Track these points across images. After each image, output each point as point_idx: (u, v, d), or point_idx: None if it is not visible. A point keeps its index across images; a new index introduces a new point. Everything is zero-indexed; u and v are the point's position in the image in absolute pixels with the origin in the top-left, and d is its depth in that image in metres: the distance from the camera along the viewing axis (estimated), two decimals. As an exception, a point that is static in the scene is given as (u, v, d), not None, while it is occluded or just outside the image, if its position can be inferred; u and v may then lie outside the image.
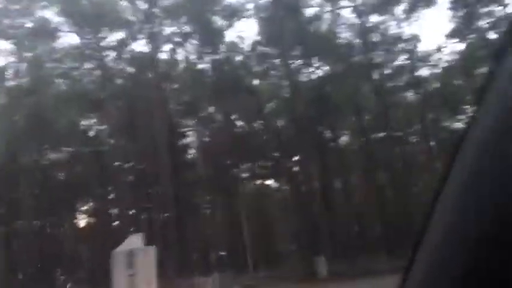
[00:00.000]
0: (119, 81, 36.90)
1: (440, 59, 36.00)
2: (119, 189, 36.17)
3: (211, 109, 38.79)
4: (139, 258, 11.59)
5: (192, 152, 41.66)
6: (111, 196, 39.60)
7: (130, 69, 36.43)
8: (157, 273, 12.11)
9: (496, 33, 29.08)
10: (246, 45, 36.57)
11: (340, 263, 25.85)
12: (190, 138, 40.48)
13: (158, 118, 32.87)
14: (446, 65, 35.83)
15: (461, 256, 0.84)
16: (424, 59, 36.04)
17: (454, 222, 0.90)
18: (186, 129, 39.75)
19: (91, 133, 39.70)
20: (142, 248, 12.09)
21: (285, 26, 31.67)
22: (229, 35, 44.34)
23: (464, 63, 32.72)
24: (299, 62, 33.69)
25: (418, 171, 42.05)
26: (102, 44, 35.67)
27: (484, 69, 34.55)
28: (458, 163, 0.92)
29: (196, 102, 35.61)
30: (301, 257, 35.20)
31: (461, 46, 34.21)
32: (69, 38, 43.30)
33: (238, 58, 36.98)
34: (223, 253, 40.33)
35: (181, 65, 36.84)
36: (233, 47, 36.36)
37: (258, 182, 48.25)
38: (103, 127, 37.46)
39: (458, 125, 43.19)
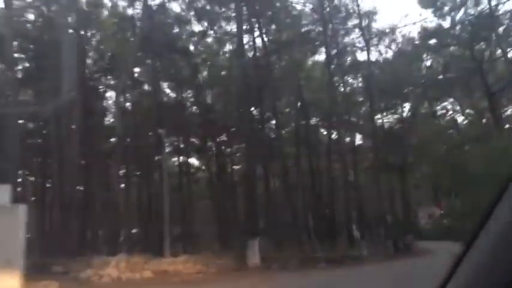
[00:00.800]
0: (26, 23, 30.85)
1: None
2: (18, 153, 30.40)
3: (136, 69, 34.07)
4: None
5: (109, 117, 36.71)
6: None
7: (43, 9, 30.52)
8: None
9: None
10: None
11: (269, 251, 23.22)
12: (109, 100, 35.51)
13: (70, 71, 27.61)
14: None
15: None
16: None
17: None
18: (103, 88, 34.61)
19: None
20: (7, 205, 8.24)
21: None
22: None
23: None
24: (245, 25, 29.52)
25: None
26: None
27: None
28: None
29: (119, 58, 30.61)
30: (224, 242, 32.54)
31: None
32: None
33: (177, 9, 32.29)
34: (133, 232, 36.30)
35: (106, 10, 31.63)
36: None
37: (180, 158, 44.56)
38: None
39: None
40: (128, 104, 37.26)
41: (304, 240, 29.82)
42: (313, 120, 39.05)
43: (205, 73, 36.57)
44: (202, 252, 24.51)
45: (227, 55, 33.74)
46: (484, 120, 41.29)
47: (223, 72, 34.80)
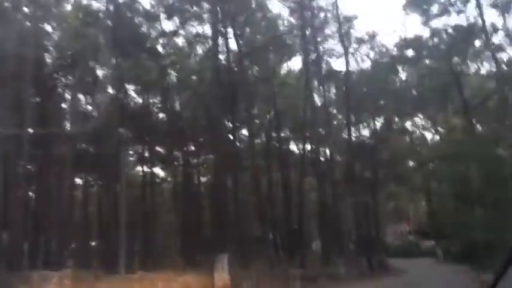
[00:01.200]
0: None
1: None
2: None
3: (98, 69, 31.75)
4: None
5: (66, 119, 34.06)
6: None
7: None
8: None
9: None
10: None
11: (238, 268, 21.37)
12: (66, 101, 32.92)
13: (24, 67, 25.11)
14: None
15: None
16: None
17: None
18: (61, 87, 31.99)
19: None
20: None
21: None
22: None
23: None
24: (219, 25, 27.65)
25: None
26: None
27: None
28: None
29: (81, 56, 28.26)
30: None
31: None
32: None
33: (146, 5, 30.20)
34: (92, 245, 33.65)
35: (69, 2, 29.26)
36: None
37: (144, 168, 42.21)
38: None
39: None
40: (89, 107, 34.91)
41: (274, 255, 28.24)
42: (286, 131, 37.72)
43: (174, 77, 34.59)
44: (164, 268, 22.39)
45: (198, 58, 31.97)
46: (455, 137, 41.37)
47: (193, 77, 33.00)
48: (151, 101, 37.08)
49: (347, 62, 31.90)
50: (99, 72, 32.27)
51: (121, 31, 26.57)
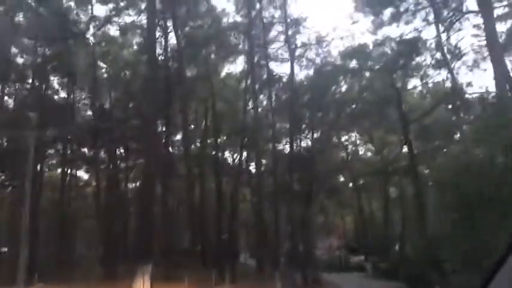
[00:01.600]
0: None
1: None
2: None
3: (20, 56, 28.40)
4: None
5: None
6: None
7: None
8: None
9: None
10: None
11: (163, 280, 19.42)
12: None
13: None
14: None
15: None
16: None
17: None
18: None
19: None
20: None
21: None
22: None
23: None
24: (158, 16, 25.26)
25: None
26: None
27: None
28: None
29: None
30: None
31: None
32: None
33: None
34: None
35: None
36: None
37: (67, 170, 38.67)
38: None
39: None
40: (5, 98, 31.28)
41: (203, 268, 26.52)
42: (223, 137, 36.20)
43: (105, 70, 31.83)
44: (78, 280, 19.89)
45: (132, 50, 29.53)
46: (384, 152, 42.25)
47: (126, 71, 30.48)
48: (78, 96, 34.01)
49: (292, 67, 30.60)
50: (20, 60, 28.88)
51: (45, 13, 23.76)
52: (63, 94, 33.53)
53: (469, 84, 28.39)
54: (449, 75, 25.92)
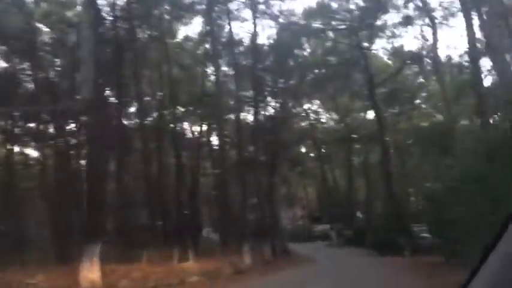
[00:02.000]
0: None
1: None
2: None
3: None
4: None
5: None
6: None
7: None
8: None
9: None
10: None
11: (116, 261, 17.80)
12: None
13: None
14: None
15: None
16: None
17: None
18: None
19: None
20: None
21: None
22: None
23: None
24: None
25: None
26: None
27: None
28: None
29: None
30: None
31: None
32: None
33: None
34: None
35: None
36: None
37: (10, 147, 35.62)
38: None
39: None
40: None
41: (164, 245, 25.02)
42: (181, 108, 34.12)
43: (46, 34, 28.68)
44: (23, 264, 17.92)
45: (76, 10, 26.58)
46: (348, 119, 41.60)
47: (71, 35, 27.55)
48: (18, 64, 30.77)
49: (255, 26, 28.39)
50: None
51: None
52: (1, 63, 30.24)
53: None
54: (420, 33, 24.89)
